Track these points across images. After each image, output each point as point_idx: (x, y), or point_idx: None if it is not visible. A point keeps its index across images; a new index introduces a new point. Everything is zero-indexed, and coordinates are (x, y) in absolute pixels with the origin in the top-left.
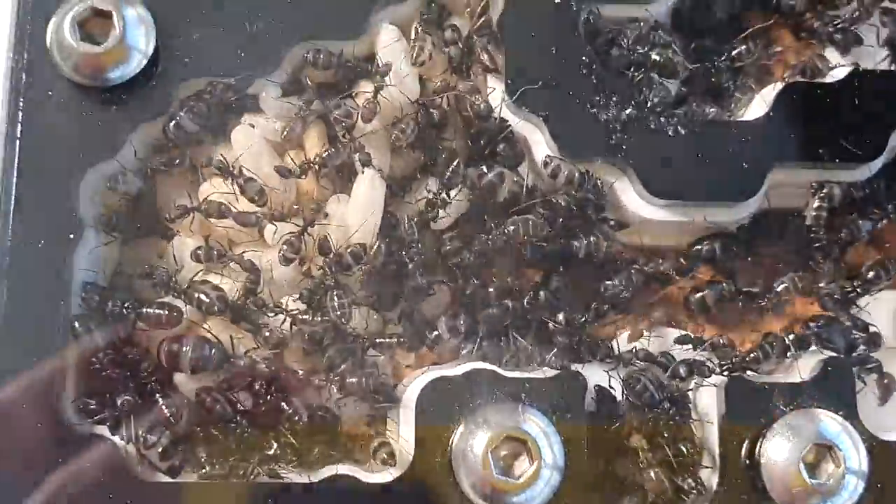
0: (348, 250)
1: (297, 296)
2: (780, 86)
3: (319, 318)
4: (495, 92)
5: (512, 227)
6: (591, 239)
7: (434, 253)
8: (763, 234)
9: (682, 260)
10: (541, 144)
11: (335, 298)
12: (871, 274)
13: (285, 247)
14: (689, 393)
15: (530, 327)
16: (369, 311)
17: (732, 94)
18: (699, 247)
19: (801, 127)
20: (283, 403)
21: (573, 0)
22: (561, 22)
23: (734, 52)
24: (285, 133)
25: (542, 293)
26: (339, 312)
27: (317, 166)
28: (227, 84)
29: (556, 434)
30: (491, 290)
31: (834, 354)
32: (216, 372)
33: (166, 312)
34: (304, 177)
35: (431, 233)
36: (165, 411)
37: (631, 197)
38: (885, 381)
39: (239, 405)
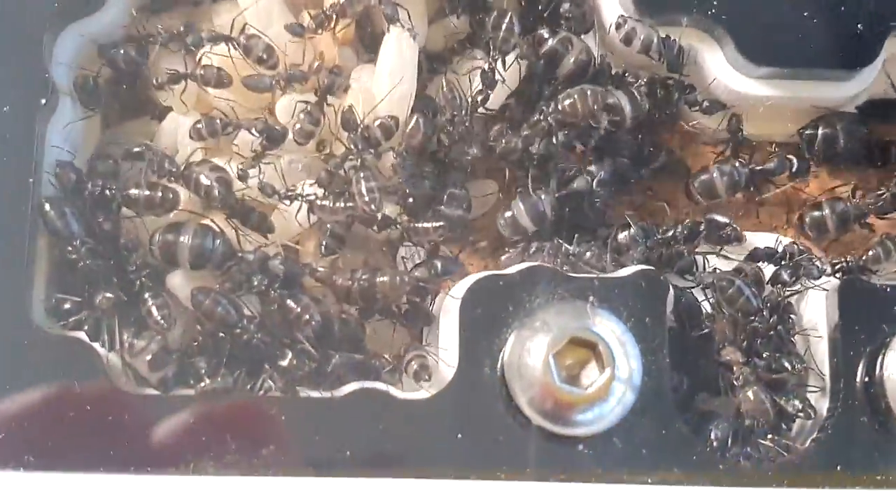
0: (377, 123)
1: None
2: None
3: (343, 205)
4: None
5: (568, 102)
6: None
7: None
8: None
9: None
10: (613, 2)
11: (362, 182)
12: None
13: (302, 116)
14: (793, 301)
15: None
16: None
17: None
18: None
19: None
20: (290, 301)
21: None
22: None
23: None
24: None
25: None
26: (367, 198)
27: (335, 17)
28: None
29: (632, 342)
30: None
31: None
32: (220, 270)
33: (160, 194)
34: (320, 31)
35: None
36: (156, 313)
37: (723, 68)
38: None
39: (245, 308)
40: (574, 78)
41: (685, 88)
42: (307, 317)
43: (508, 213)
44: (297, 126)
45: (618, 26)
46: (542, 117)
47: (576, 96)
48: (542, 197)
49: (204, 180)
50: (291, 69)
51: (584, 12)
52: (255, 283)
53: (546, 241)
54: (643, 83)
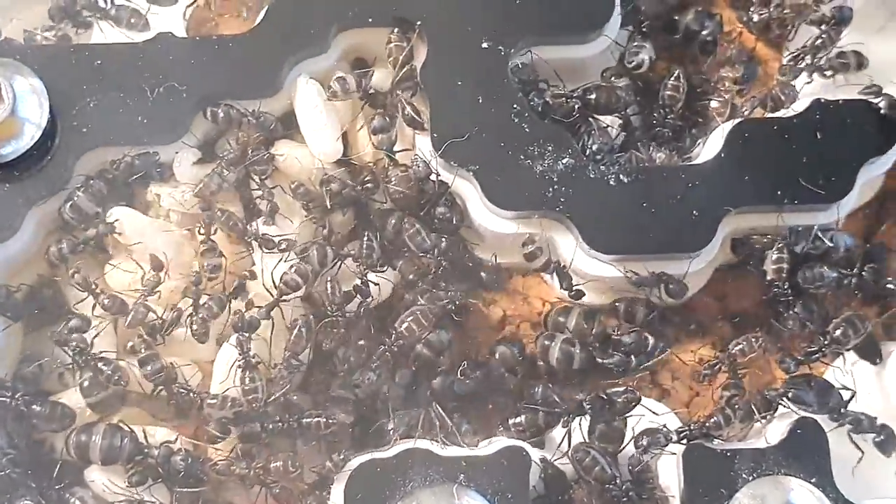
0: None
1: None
2: (731, 124)
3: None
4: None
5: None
6: None
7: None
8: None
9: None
10: (475, 200)
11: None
12: (838, 332)
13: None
14: (650, 464)
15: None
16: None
17: (690, 135)
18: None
19: (756, 167)
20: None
21: (502, 45)
22: (489, 68)
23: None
24: (200, 188)
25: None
26: (249, 398)
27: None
28: (135, 155)
29: None
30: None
31: (805, 414)
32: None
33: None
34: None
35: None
36: None
37: (577, 253)
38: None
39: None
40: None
41: None
42: None
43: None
44: (194, 327)
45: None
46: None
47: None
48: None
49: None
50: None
51: (456, 214)
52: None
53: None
54: None
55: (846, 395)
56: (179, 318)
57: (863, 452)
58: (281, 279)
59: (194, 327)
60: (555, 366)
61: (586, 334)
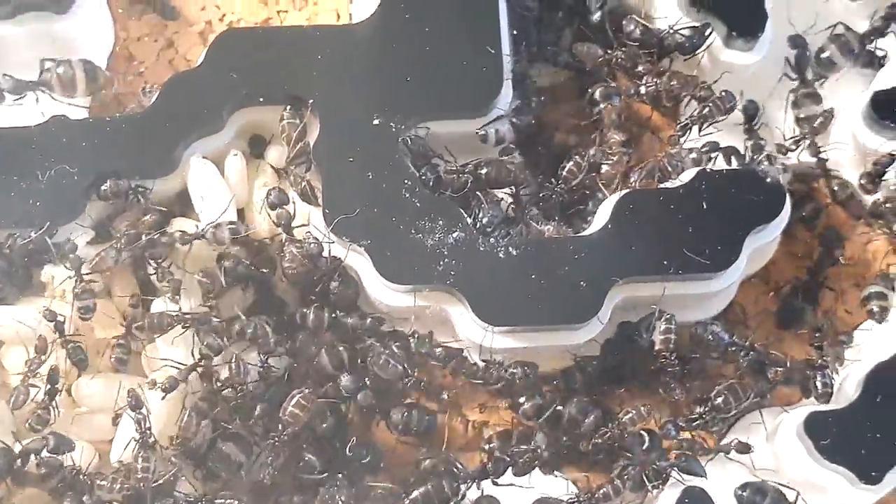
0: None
1: None
2: (618, 195)
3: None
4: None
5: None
6: None
7: None
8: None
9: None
10: (368, 275)
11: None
12: (719, 400)
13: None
14: None
15: None
16: None
17: (583, 207)
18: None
19: (643, 238)
20: None
21: (393, 121)
22: (381, 144)
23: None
24: (96, 262)
25: None
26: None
27: None
28: (26, 236)
29: None
30: None
31: (693, 484)
32: None
33: None
34: None
35: None
36: None
37: (471, 326)
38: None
39: None
40: None
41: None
42: None
43: None
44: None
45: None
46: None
47: None
48: None
49: None
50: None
51: (349, 291)
52: None
53: None
54: None
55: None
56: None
57: None
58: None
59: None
60: None
61: None
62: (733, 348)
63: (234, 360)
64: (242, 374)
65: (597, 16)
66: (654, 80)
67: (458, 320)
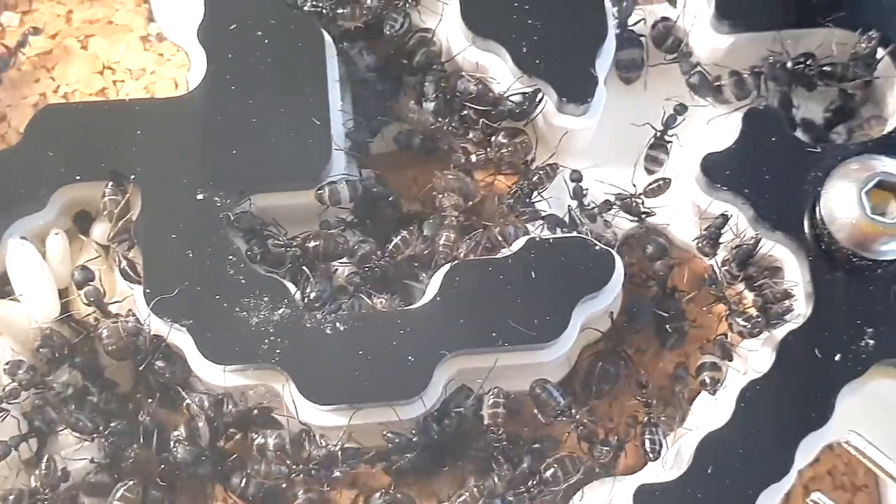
0: None
1: None
2: (447, 266)
3: None
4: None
5: None
6: None
7: None
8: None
9: None
10: (193, 353)
11: None
12: (549, 472)
13: None
14: None
15: None
16: None
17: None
18: None
19: (471, 310)
20: None
21: (217, 195)
22: (204, 219)
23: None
24: None
25: None
26: None
27: None
28: None
29: None
30: None
31: None
32: None
33: None
34: None
35: None
36: None
37: (299, 402)
38: None
39: None
40: None
41: None
42: None
43: None
44: None
45: None
46: None
47: None
48: None
49: None
50: None
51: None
52: None
53: None
54: None
55: None
56: None
57: None
58: None
59: None
60: None
61: None
62: (565, 417)
63: (46, 460)
64: (52, 474)
65: (431, 106)
66: (485, 150)
67: (288, 399)
